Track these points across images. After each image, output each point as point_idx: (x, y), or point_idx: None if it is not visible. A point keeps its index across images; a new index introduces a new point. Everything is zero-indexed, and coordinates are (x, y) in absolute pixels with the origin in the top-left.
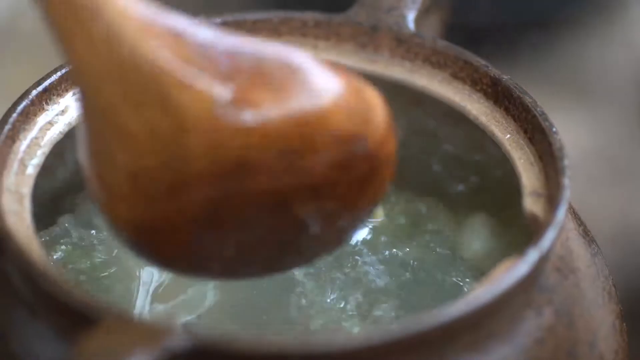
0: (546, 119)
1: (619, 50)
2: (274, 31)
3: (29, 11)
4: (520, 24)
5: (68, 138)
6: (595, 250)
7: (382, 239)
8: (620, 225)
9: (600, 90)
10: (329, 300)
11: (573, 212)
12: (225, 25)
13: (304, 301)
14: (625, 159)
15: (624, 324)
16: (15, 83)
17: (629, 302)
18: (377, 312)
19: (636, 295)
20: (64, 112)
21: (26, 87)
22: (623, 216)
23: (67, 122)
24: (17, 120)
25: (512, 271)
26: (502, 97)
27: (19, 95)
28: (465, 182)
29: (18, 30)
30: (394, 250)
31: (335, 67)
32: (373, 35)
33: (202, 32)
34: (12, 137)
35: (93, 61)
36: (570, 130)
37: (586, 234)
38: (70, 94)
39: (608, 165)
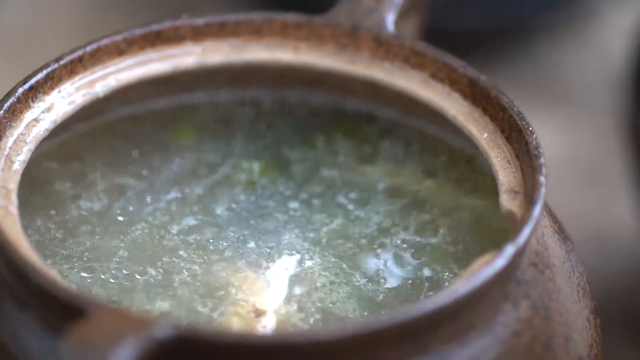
0: (523, 119)
1: (593, 57)
2: (255, 32)
3: (9, 10)
4: (495, 30)
5: (53, 135)
6: (570, 247)
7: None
8: (592, 229)
9: (574, 96)
10: None
11: (549, 210)
12: (208, 26)
13: None
14: (598, 163)
15: (598, 320)
16: None
17: (600, 304)
18: None
19: (608, 297)
20: (50, 109)
21: (3, 87)
22: (595, 220)
23: (52, 120)
24: (3, 118)
25: (490, 265)
26: (479, 97)
27: None
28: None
29: None
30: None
31: None
32: (353, 37)
33: None
34: None
35: None
36: (543, 135)
37: (561, 231)
38: (55, 91)
39: (581, 170)
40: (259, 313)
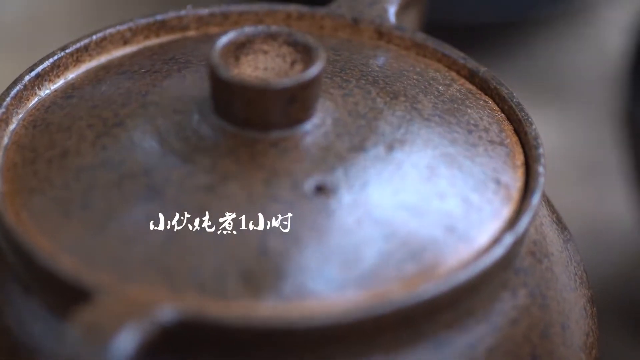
0: (522, 109)
1: (589, 52)
2: (258, 23)
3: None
4: (492, 24)
5: None
6: (568, 237)
7: None
8: (588, 222)
9: (570, 90)
10: None
11: (547, 200)
12: (212, 16)
13: None
14: (594, 157)
15: (595, 309)
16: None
17: (597, 296)
18: None
19: (604, 289)
20: None
21: (6, 78)
22: (591, 213)
23: None
24: (10, 104)
25: (489, 253)
26: (479, 88)
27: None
28: None
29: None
30: None
31: None
32: (355, 28)
33: None
34: (6, 120)
35: None
36: (540, 129)
37: (559, 221)
38: (61, 80)
39: (577, 164)
40: None
